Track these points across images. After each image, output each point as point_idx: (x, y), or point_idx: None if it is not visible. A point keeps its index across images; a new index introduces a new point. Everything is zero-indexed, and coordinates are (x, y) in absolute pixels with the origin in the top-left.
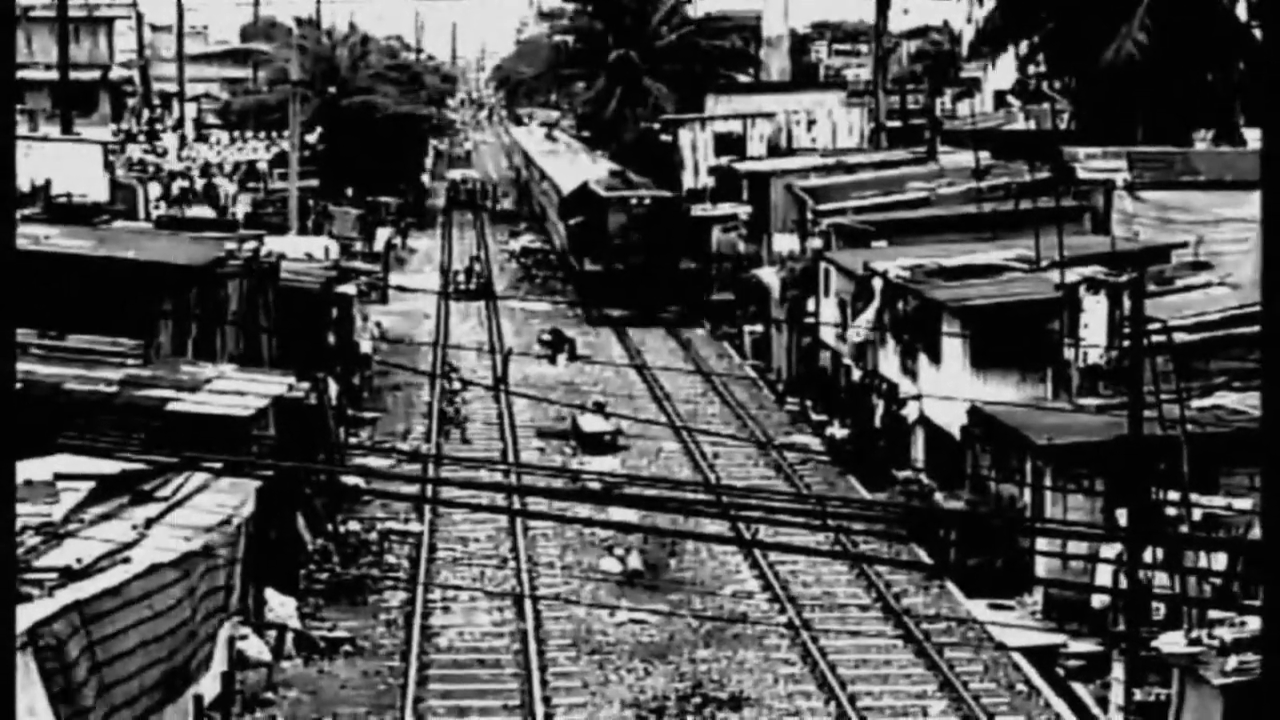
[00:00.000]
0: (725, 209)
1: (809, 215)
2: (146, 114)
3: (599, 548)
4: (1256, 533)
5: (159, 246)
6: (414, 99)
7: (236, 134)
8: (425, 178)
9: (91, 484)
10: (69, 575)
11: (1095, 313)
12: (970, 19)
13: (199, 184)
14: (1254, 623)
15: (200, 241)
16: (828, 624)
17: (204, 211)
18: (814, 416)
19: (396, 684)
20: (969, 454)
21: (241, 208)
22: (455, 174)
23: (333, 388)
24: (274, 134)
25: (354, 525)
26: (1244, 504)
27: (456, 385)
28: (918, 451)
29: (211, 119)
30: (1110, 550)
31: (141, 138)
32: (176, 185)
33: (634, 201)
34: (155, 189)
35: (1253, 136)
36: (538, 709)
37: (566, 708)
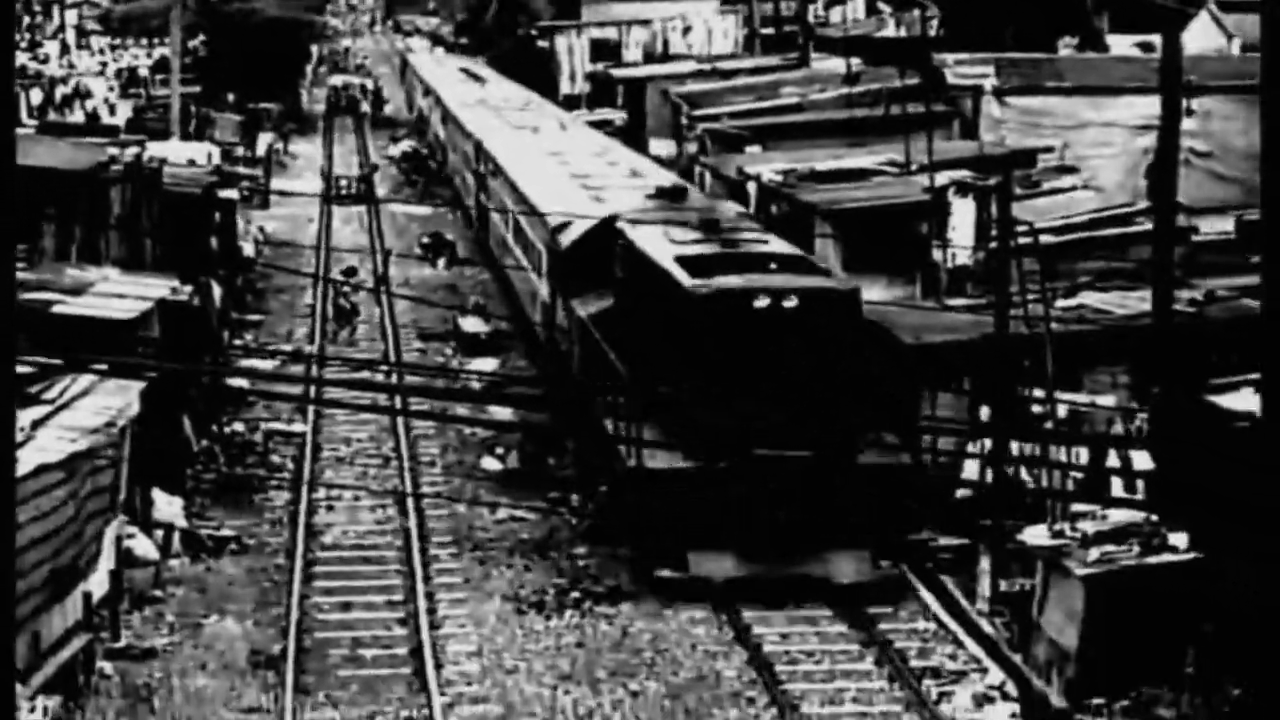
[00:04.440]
0: (602, 115)
1: (684, 121)
2: (27, 20)
3: (479, 447)
4: (1118, 428)
5: (41, 152)
6: (294, 4)
7: (118, 40)
8: (306, 84)
9: None
10: None
11: (963, 215)
12: None
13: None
14: (1115, 515)
15: (82, 147)
16: None
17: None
18: None
19: (282, 581)
20: None
21: (123, 114)
22: (336, 80)
23: (216, 291)
24: (155, 40)
25: (239, 426)
26: (1106, 400)
27: (350, 285)
28: None
29: (92, 25)
30: (976, 446)
31: (22, 44)
32: (58, 92)
33: (770, 301)
34: (36, 95)
35: (1114, 43)
36: (420, 604)
37: (449, 602)
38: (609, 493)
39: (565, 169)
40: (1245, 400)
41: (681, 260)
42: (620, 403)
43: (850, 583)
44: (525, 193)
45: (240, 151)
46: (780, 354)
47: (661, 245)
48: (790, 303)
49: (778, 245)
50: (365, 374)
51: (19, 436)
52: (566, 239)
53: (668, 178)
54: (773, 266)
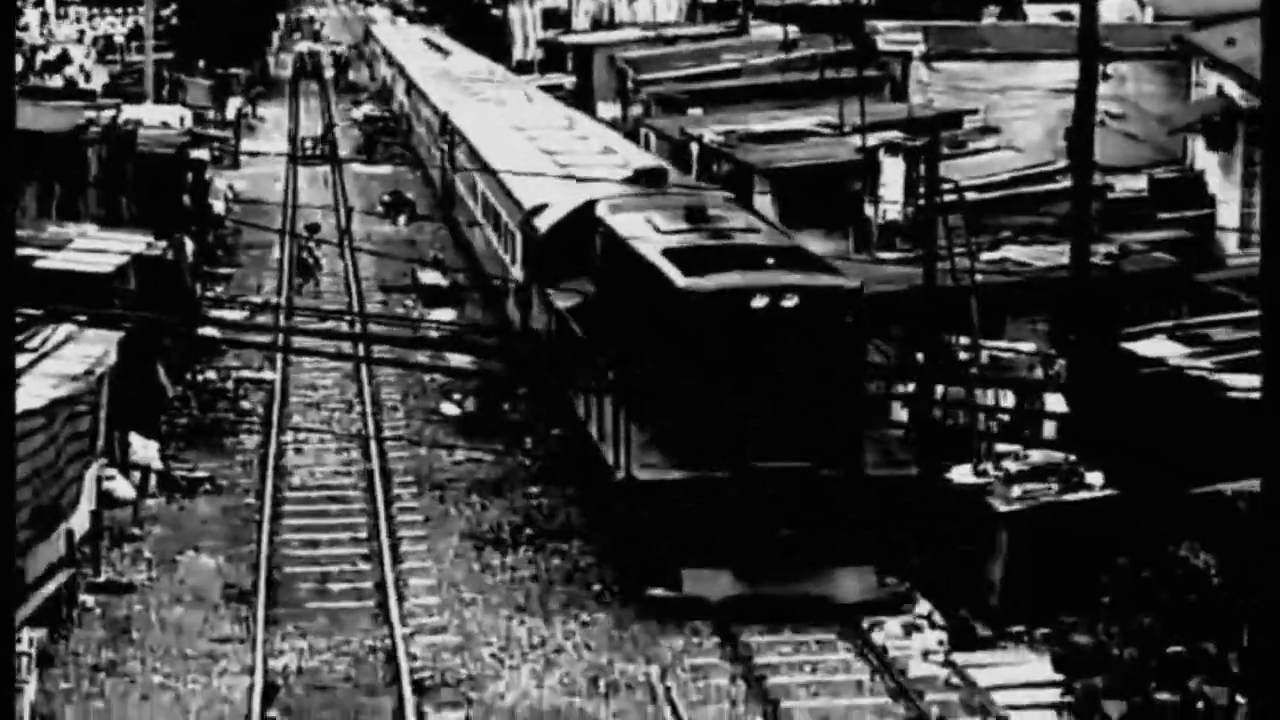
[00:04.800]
0: (552, 79)
1: (630, 85)
2: None
3: (438, 393)
4: (1039, 373)
5: (23, 114)
6: None
7: (95, 10)
8: (273, 50)
9: None
10: None
11: (893, 174)
12: None
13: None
14: (1035, 455)
15: (62, 111)
16: None
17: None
18: None
19: (253, 519)
20: None
21: (100, 79)
22: (302, 47)
23: (189, 246)
24: (130, 9)
25: (211, 374)
26: (1027, 346)
27: (315, 240)
28: None
29: None
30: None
31: None
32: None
33: (768, 300)
34: (18, 62)
35: (1034, 12)
36: (383, 540)
37: (410, 539)
38: (597, 504)
39: (535, 144)
40: (1157, 347)
41: (671, 254)
42: (605, 404)
43: (855, 601)
44: (497, 170)
45: (211, 115)
46: (779, 356)
47: (647, 235)
48: (790, 301)
49: (770, 236)
50: (330, 324)
51: None
52: (543, 224)
53: (643, 156)
54: (769, 261)
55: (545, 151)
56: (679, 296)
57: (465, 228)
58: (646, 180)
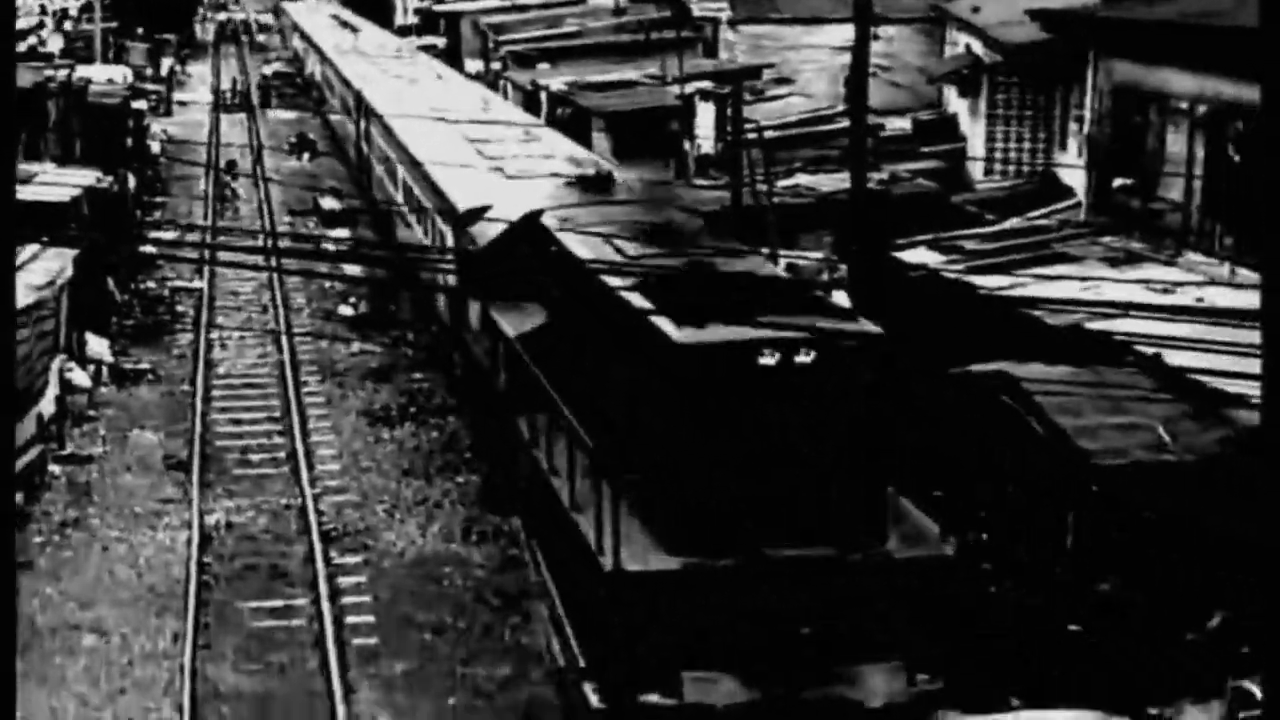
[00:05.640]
0: (428, 41)
1: (491, 44)
2: None
3: (337, 297)
4: (825, 277)
5: None
6: None
7: None
8: (199, 18)
9: None
10: None
11: (705, 116)
12: None
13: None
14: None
15: (25, 69)
16: None
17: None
18: None
19: (187, 403)
20: None
21: (56, 44)
22: (221, 15)
23: (131, 180)
24: None
25: (151, 284)
26: (816, 255)
27: (233, 174)
28: None
29: None
30: None
31: None
32: None
33: (780, 356)
34: None
35: None
36: (294, 419)
37: (316, 417)
38: (579, 599)
39: (456, 130)
40: (920, 255)
41: (651, 293)
42: (580, 470)
43: (883, 705)
44: (420, 161)
45: (148, 72)
46: (794, 422)
47: (613, 263)
48: (806, 357)
49: (756, 262)
50: (248, 241)
51: None
52: (482, 234)
53: (570, 147)
54: (771, 301)
55: (471, 140)
56: (674, 353)
57: (380, 201)
58: (592, 188)
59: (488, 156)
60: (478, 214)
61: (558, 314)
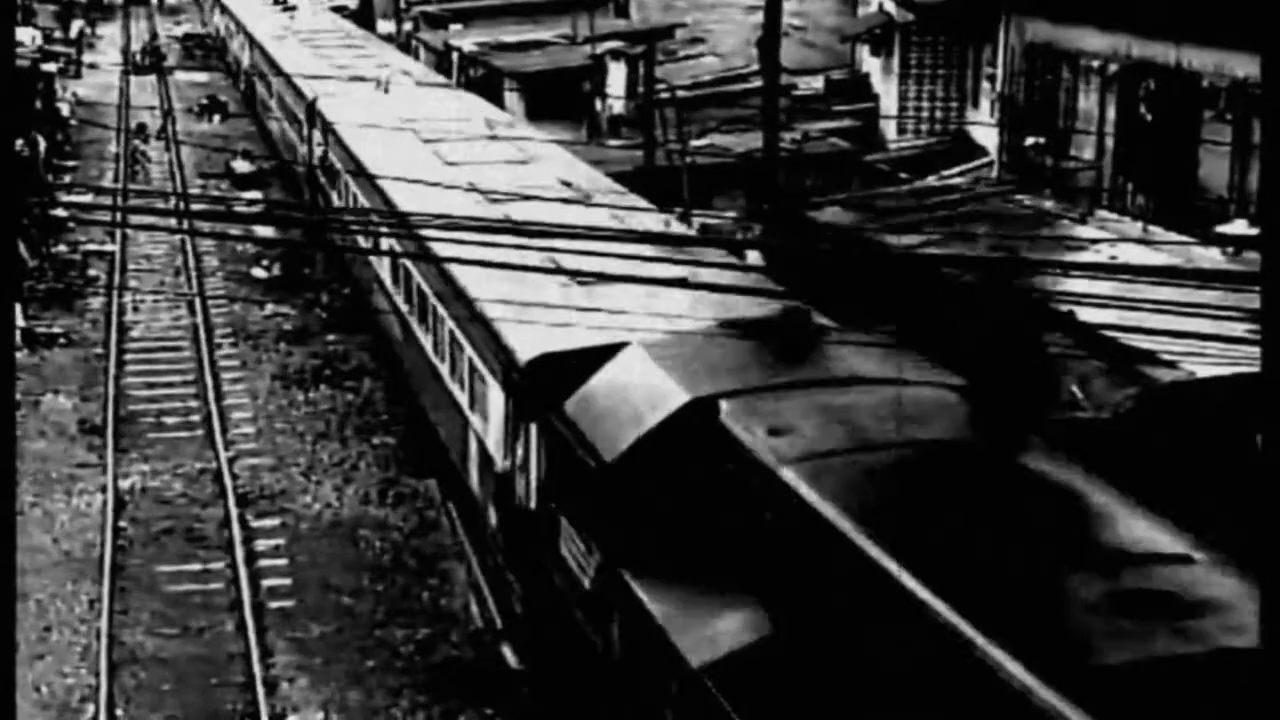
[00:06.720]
0: (339, 1)
1: (402, 4)
2: None
3: (250, 259)
4: (740, 235)
5: None
6: None
7: None
8: None
9: None
10: None
11: (617, 76)
12: None
13: None
14: None
15: None
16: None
17: None
18: None
19: (101, 366)
20: None
21: None
22: None
23: (41, 144)
24: None
25: (62, 247)
26: (730, 215)
27: (144, 136)
28: None
29: None
30: None
31: None
32: None
33: None
34: None
35: None
36: (208, 381)
37: (230, 380)
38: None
39: (436, 160)
40: (830, 215)
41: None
42: None
43: None
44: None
45: (57, 34)
46: None
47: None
48: None
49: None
50: (159, 204)
51: None
52: (612, 445)
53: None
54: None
55: (491, 201)
56: None
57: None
58: (777, 355)
59: (491, 198)
60: (544, 363)
61: (795, 616)
